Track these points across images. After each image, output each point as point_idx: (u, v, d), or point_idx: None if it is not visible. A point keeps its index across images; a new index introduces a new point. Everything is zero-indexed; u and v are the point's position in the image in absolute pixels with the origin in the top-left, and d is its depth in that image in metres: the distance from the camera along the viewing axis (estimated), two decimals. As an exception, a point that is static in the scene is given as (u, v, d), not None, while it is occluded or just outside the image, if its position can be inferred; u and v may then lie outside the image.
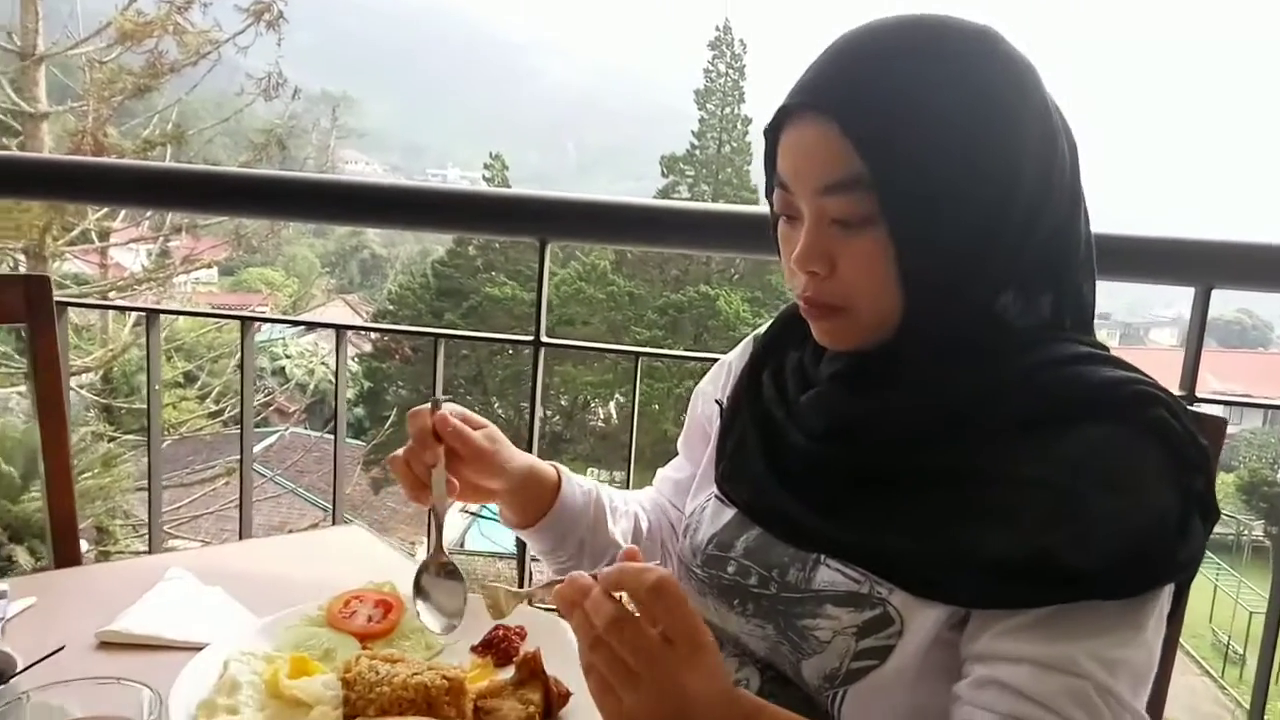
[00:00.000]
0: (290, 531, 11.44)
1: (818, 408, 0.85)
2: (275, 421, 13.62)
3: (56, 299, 1.60)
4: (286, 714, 0.75)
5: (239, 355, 1.95)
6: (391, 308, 15.35)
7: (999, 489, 0.73)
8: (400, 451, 0.89)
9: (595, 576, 0.66)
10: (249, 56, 11.52)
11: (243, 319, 1.89)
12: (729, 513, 0.90)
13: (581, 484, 1.04)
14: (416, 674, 0.76)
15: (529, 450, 1.94)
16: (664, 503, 1.12)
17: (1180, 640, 1.00)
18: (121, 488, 10.46)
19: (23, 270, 10.34)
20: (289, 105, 12.15)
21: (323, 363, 12.96)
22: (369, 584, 0.94)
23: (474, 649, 0.89)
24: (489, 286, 13.86)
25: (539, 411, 2.02)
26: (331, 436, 1.96)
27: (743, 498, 0.90)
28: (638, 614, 0.64)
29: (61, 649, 0.69)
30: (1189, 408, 0.79)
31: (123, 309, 9.17)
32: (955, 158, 0.74)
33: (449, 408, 0.90)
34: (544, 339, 1.81)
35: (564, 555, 1.01)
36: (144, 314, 1.91)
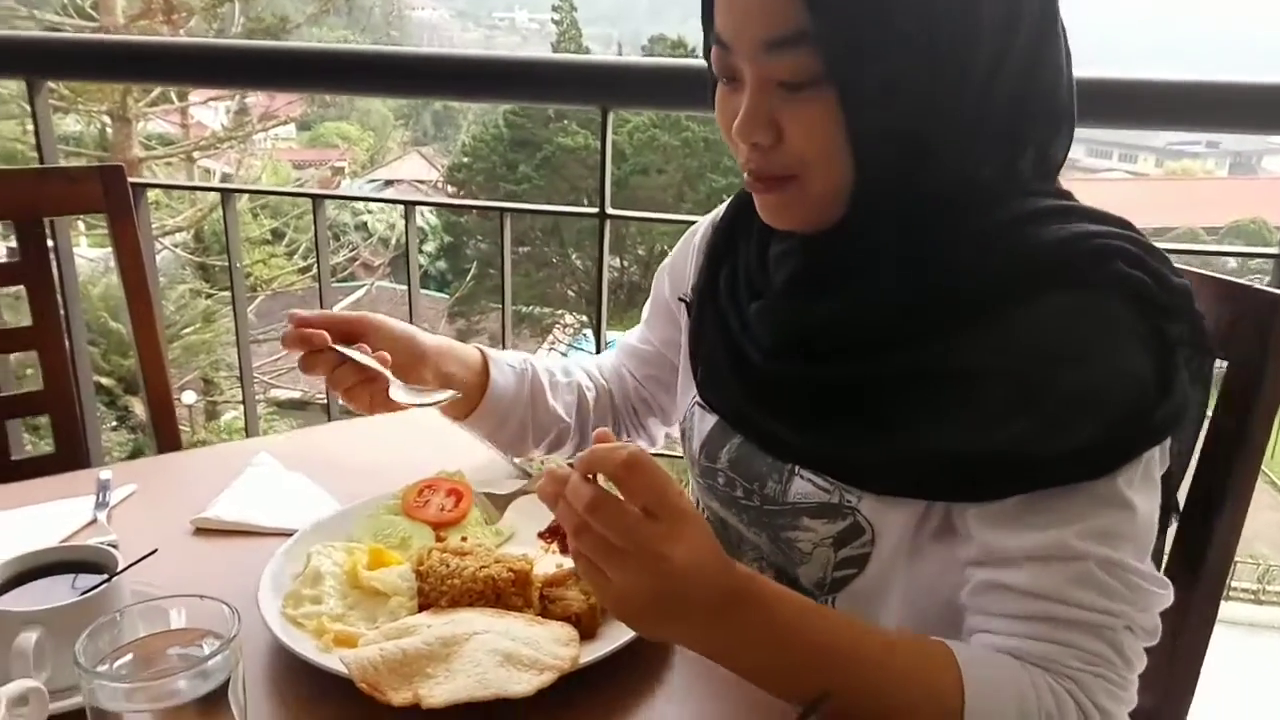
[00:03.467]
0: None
1: (765, 321, 0.82)
2: (361, 275, 13.94)
3: (133, 182, 1.64)
4: (367, 603, 0.80)
5: (314, 226, 1.98)
6: (465, 160, 15.27)
7: (956, 384, 0.71)
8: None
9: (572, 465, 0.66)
10: (315, -98, 11.17)
11: (314, 197, 1.91)
12: (711, 419, 0.89)
13: (511, 362, 1.04)
14: (485, 567, 0.80)
15: (599, 316, 1.96)
16: (623, 370, 1.12)
17: (1263, 470, 0.97)
18: (222, 341, 10.98)
19: (109, 132, 10.58)
20: (354, -49, 11.83)
21: (402, 216, 13.09)
22: (441, 472, 0.98)
23: (540, 535, 0.93)
24: (561, 136, 13.64)
25: (606, 272, 2.00)
26: (418, 289, 2.01)
27: (719, 406, 0.88)
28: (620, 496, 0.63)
29: (155, 552, 0.75)
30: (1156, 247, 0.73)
31: (197, 189, 9.37)
32: (924, 5, 0.68)
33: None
34: (609, 210, 1.79)
35: (505, 437, 1.03)
36: (220, 193, 1.93)
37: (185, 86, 8.30)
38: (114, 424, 10.02)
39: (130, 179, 1.46)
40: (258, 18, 11.07)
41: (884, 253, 0.75)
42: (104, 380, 9.61)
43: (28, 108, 1.90)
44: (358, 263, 13.20)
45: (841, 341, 0.77)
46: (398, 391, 0.90)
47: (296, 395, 11.13)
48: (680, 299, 0.98)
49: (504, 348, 2.04)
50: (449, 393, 0.92)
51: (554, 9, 16.33)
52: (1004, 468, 0.69)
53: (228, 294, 11.17)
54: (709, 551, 0.63)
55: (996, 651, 0.70)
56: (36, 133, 1.88)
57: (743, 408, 0.85)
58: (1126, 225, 0.74)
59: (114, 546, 0.90)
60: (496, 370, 1.01)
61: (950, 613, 0.76)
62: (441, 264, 15.49)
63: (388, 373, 0.90)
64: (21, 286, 1.36)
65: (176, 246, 10.92)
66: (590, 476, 0.63)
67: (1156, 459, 0.71)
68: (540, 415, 1.04)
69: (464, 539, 0.90)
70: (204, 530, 0.97)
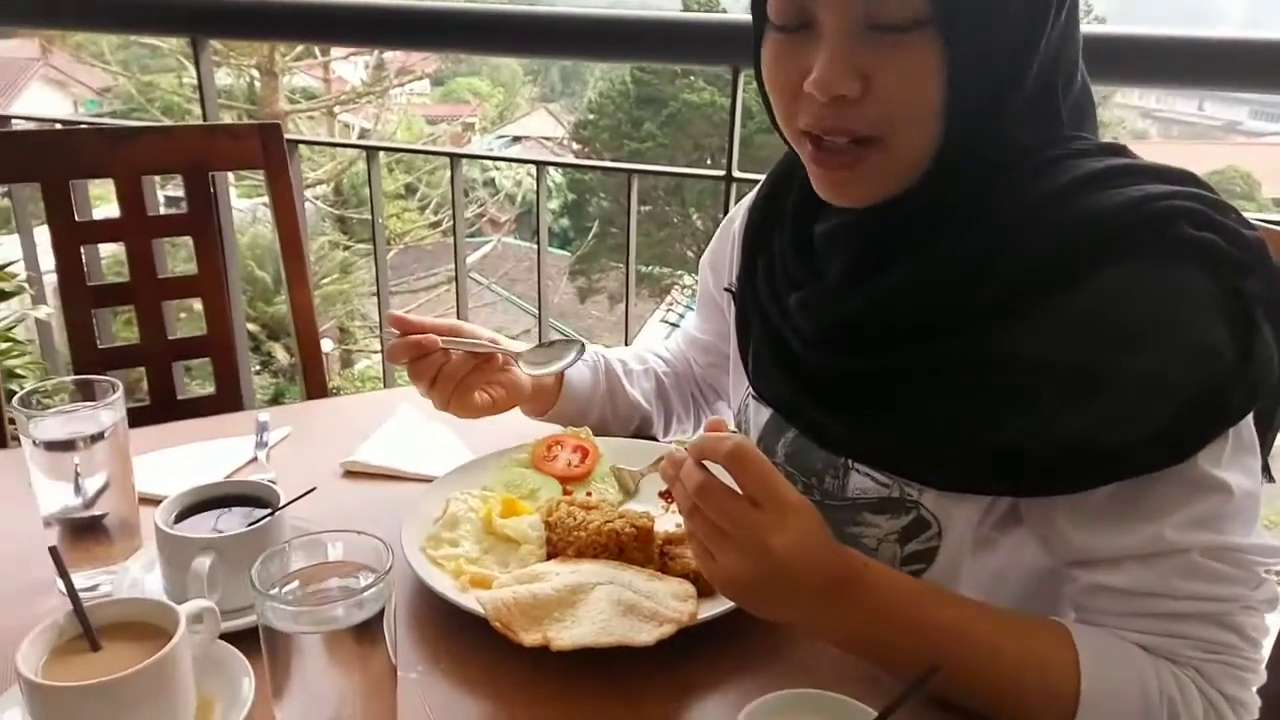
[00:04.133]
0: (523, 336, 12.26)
1: (809, 311, 0.78)
2: (488, 231, 14.28)
3: (287, 139, 1.73)
4: (499, 549, 0.85)
5: (450, 185, 2.05)
6: (591, 117, 15.35)
7: (1016, 371, 0.67)
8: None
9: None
10: None
11: (451, 156, 1.98)
12: (766, 412, 0.88)
13: (585, 359, 1.03)
14: (609, 521, 0.83)
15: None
16: (688, 356, 1.11)
17: None
18: (358, 292, 11.48)
19: (257, 85, 11.11)
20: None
21: (529, 174, 13.35)
22: (568, 430, 1.02)
23: (662, 494, 0.96)
24: (688, 93, 13.53)
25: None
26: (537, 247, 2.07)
27: (772, 399, 0.86)
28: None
29: (313, 490, 0.81)
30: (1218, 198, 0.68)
31: (344, 145, 9.79)
32: None
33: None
34: (735, 174, 1.78)
35: (589, 426, 1.02)
36: (364, 150, 2.02)
37: (337, 45, 8.62)
38: (257, 368, 10.65)
39: (285, 136, 1.55)
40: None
41: (947, 228, 0.70)
42: (250, 326, 10.22)
43: (187, 64, 2.03)
44: (485, 219, 13.52)
45: (896, 326, 0.73)
46: (525, 364, 0.95)
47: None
48: (726, 289, 0.95)
49: (626, 307, 2.10)
50: (572, 354, 0.96)
51: (683, -37, 16.08)
52: (1076, 460, 0.66)
53: (365, 246, 11.67)
54: (813, 540, 0.65)
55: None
56: (200, 89, 2.01)
57: (793, 400, 0.82)
58: (1191, 179, 0.69)
59: (273, 483, 0.98)
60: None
61: (1020, 604, 0.75)
62: (565, 221, 15.69)
63: (507, 346, 0.94)
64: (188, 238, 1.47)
65: (318, 199, 11.43)
66: (703, 462, 0.65)
67: (1248, 427, 0.67)
68: (620, 405, 1.06)
69: (589, 494, 0.94)
70: (352, 472, 1.04)
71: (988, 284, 0.68)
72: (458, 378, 0.91)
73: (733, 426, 1.06)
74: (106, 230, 1.47)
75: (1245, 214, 0.71)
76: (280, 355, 10.54)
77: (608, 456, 0.99)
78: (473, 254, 13.62)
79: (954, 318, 0.70)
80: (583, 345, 0.98)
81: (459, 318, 2.19)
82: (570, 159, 15.55)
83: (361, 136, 12.42)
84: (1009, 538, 0.74)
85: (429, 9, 1.81)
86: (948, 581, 0.76)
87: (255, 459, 1.06)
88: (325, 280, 11.51)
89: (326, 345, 11.75)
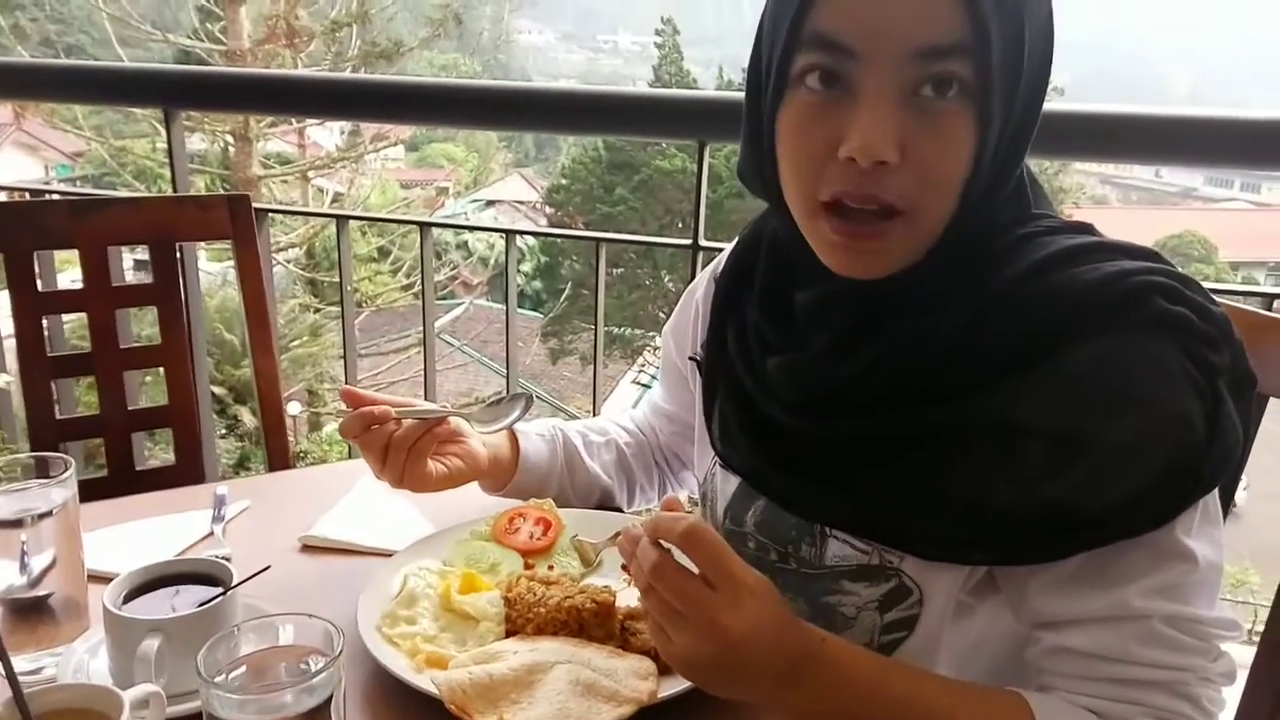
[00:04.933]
0: (476, 400, 12.24)
1: (791, 377, 0.77)
2: (460, 294, 14.33)
3: (257, 208, 1.74)
4: (457, 626, 0.84)
5: (420, 251, 2.06)
6: (564, 181, 15.56)
7: (996, 438, 0.68)
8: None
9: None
10: (426, -71, 11.63)
11: (421, 225, 2.00)
12: (734, 481, 0.87)
13: (542, 432, 1.04)
14: (569, 597, 0.83)
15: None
16: (653, 425, 1.11)
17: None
18: (328, 355, 11.42)
19: (232, 150, 11.16)
20: (464, -24, 12.26)
21: (502, 237, 13.43)
22: (531, 502, 1.02)
23: (624, 567, 0.95)
24: (659, 159, 13.77)
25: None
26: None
27: (739, 467, 0.85)
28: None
29: (267, 568, 0.80)
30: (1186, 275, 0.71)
31: (315, 215, 9.84)
32: (1042, 19, 0.67)
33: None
34: (702, 242, 1.81)
35: (550, 496, 1.02)
36: (335, 219, 2.03)
37: (306, 117, 8.74)
38: (223, 432, 10.51)
39: (255, 205, 1.56)
40: (373, 41, 11.53)
41: (934, 300, 0.71)
42: (216, 390, 10.11)
43: (161, 129, 2.05)
44: (458, 281, 13.57)
45: (881, 394, 0.73)
46: (476, 423, 0.96)
47: (395, 408, 11.49)
48: (691, 358, 0.95)
49: (595, 371, 2.11)
50: (519, 409, 0.96)
51: (657, 32, 16.53)
52: (1053, 527, 0.67)
53: (336, 309, 11.62)
54: (770, 620, 0.64)
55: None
56: (171, 158, 2.02)
57: (762, 468, 0.81)
58: (1155, 255, 0.72)
59: (228, 560, 0.97)
60: (525, 441, 1.03)
61: (997, 672, 0.75)
62: (537, 284, 15.78)
63: (455, 413, 0.94)
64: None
65: (289, 262, 11.42)
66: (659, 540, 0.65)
67: (1214, 500, 0.69)
68: (579, 478, 1.06)
69: (551, 567, 0.94)
70: (310, 547, 1.03)
71: (971, 355, 0.69)
72: (409, 444, 0.91)
73: (696, 497, 1.07)
74: (69, 301, 1.46)
75: (1205, 283, 0.74)
76: (247, 419, 10.41)
77: (571, 528, 0.99)
78: (444, 316, 13.64)
79: (939, 387, 0.71)
80: (529, 398, 0.99)
81: (426, 382, 2.20)
82: (544, 223, 15.72)
83: (335, 200, 12.51)
84: (986, 605, 0.75)
85: (395, 84, 1.85)
86: (928, 650, 0.76)
87: (211, 534, 1.04)
88: (294, 343, 11.45)
89: (294, 408, 11.63)
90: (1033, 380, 0.68)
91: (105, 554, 0.96)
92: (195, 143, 11.85)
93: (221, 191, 11.51)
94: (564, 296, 13.51)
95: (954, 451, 0.70)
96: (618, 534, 0.74)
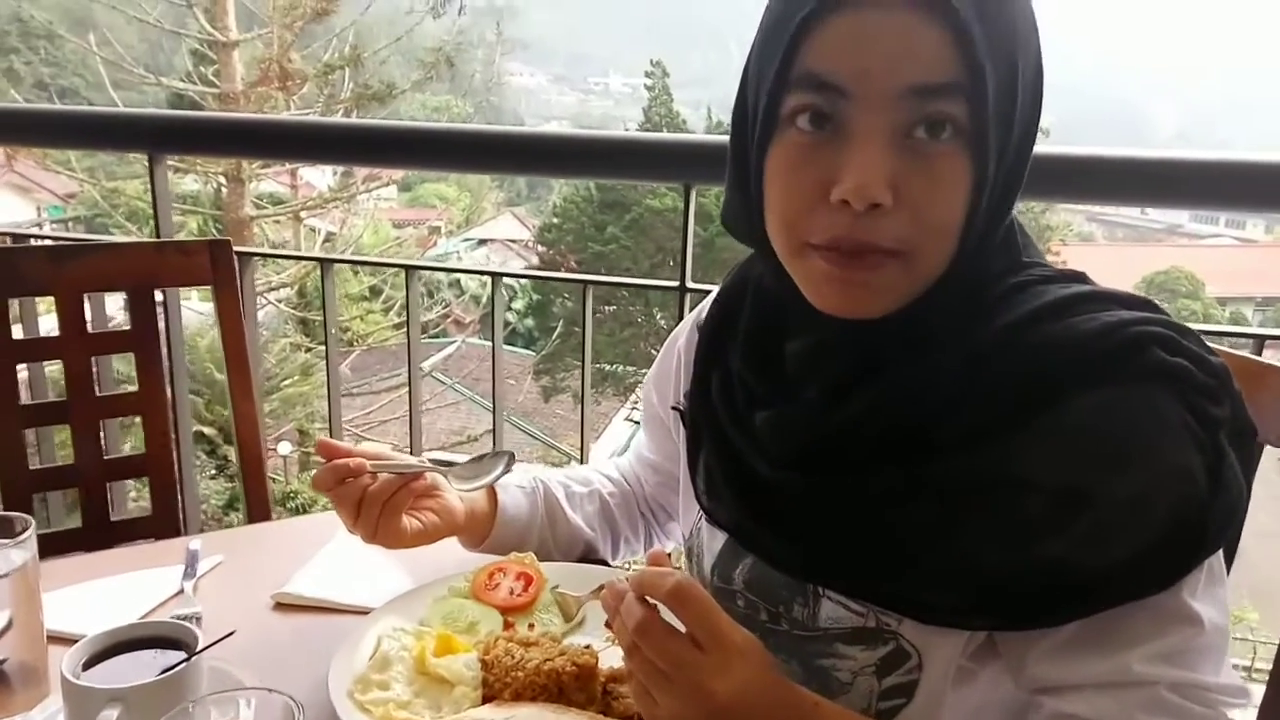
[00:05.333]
0: (468, 439, 12.18)
1: (778, 431, 0.74)
2: (452, 332, 14.32)
3: (240, 251, 1.73)
4: (432, 690, 0.81)
5: (406, 294, 2.05)
6: (556, 220, 15.64)
7: (994, 493, 0.66)
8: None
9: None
10: (417, -27, 11.80)
11: (407, 268, 1.98)
12: (721, 537, 0.84)
13: (521, 484, 1.01)
14: (549, 660, 0.80)
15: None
16: (639, 474, 1.09)
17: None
18: (318, 394, 11.35)
19: (224, 191, 11.20)
20: (456, 21, 12.42)
21: (491, 283, 13.47)
22: (512, 556, 0.99)
23: (607, 624, 0.92)
24: (650, 198, 13.85)
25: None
26: (504, 347, 2.05)
27: (725, 523, 0.82)
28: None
29: (232, 633, 0.77)
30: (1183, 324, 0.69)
31: (299, 258, 9.88)
32: (1032, 60, 0.66)
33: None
34: (689, 285, 1.80)
35: (531, 550, 0.99)
36: (319, 262, 2.02)
37: (289, 161, 8.77)
38: (213, 473, 10.41)
39: (238, 248, 1.55)
40: (365, 84, 11.62)
41: (927, 349, 0.69)
42: (206, 430, 10.02)
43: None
44: (450, 319, 13.56)
45: (860, 452, 0.70)
46: (455, 479, 0.93)
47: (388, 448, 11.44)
48: (674, 408, 0.92)
49: (582, 412, 2.08)
50: (500, 467, 0.94)
51: (646, 74, 16.72)
52: (1054, 588, 0.64)
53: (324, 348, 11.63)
54: (759, 684, 0.62)
55: None
56: (154, 203, 2.01)
57: (751, 524, 0.78)
58: (1152, 305, 0.70)
59: (197, 620, 0.94)
60: (504, 494, 1.00)
61: None
62: (529, 321, 15.79)
63: (433, 469, 0.92)
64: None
65: (280, 302, 11.41)
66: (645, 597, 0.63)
67: (1219, 559, 0.67)
68: (560, 531, 1.03)
69: (531, 625, 0.91)
70: (284, 605, 0.99)
71: (968, 405, 0.67)
72: (383, 498, 0.88)
73: (683, 550, 1.04)
74: (44, 349, 1.44)
75: (1193, 320, 0.72)
76: (234, 457, 10.29)
77: (553, 583, 0.96)
78: (437, 354, 13.62)
79: (933, 439, 0.68)
80: (511, 456, 0.96)
81: (411, 423, 2.17)
82: (535, 261, 15.76)
83: (327, 240, 12.53)
84: (988, 670, 0.72)
85: (376, 128, 1.85)
86: (926, 717, 0.72)
87: (182, 591, 1.01)
88: (286, 383, 11.40)
89: (285, 448, 11.55)
90: (1031, 432, 0.65)
91: (70, 614, 0.92)
92: (189, 183, 11.90)
93: (214, 232, 11.58)
94: (556, 334, 13.51)
95: (951, 508, 0.67)
96: (601, 587, 0.72)
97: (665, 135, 1.91)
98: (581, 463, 2.08)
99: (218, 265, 1.48)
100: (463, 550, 1.02)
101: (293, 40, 11.26)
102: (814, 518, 0.74)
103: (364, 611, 0.95)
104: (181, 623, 0.79)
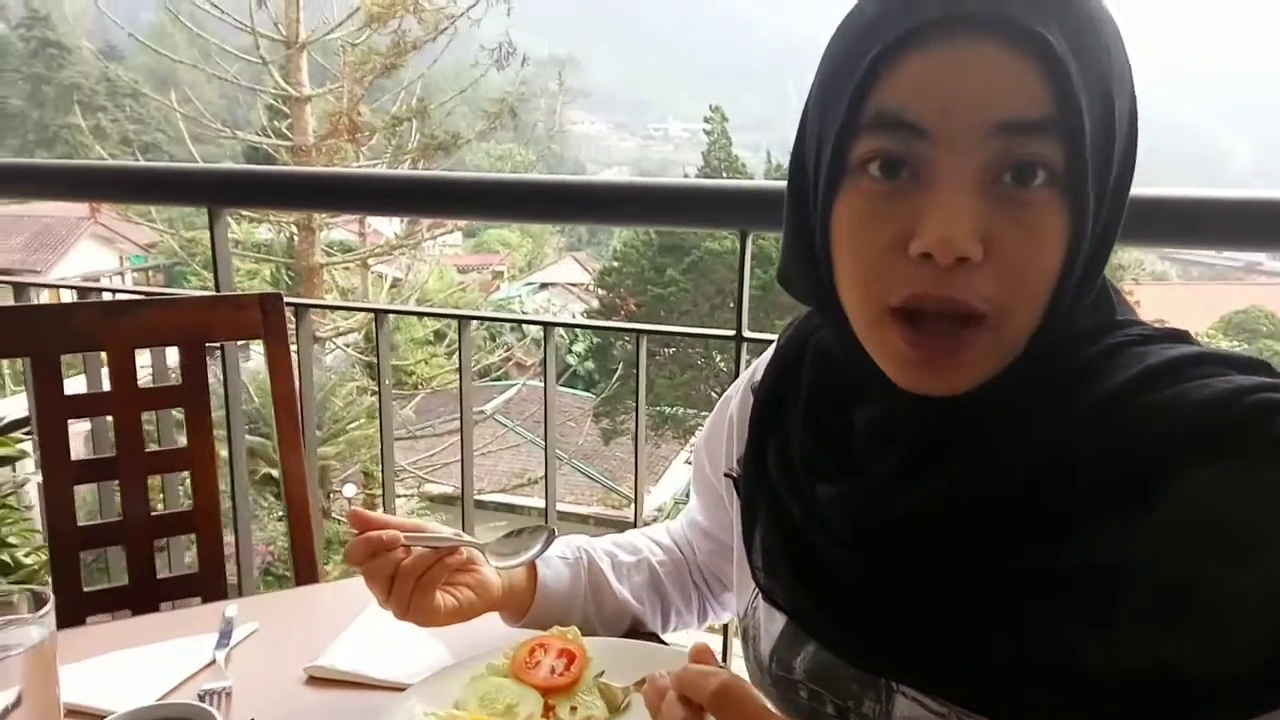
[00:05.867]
0: (529, 481, 12.19)
1: (847, 509, 0.67)
2: (514, 374, 14.44)
3: (296, 303, 1.72)
4: (465, 781, 0.75)
5: (459, 345, 2.03)
6: (616, 264, 15.74)
7: (1090, 585, 0.57)
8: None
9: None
10: (482, 28, 12.14)
11: (459, 318, 1.97)
12: (780, 620, 0.76)
13: (564, 554, 0.94)
14: (589, 751, 0.73)
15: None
16: (691, 540, 1.02)
17: None
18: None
19: (295, 240, 11.51)
20: (519, 72, 12.72)
21: (554, 315, 13.61)
22: (554, 631, 0.93)
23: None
24: (709, 241, 13.87)
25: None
26: (564, 390, 2.02)
27: (785, 604, 0.74)
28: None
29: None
30: None
31: (350, 309, 10.09)
32: (1127, 97, 0.58)
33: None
34: (745, 334, 1.74)
35: (575, 626, 0.92)
36: (374, 313, 2.01)
37: (344, 214, 9.00)
38: (281, 514, 10.57)
39: (293, 299, 1.53)
40: (431, 135, 11.91)
41: (1013, 422, 0.61)
42: (274, 471, 10.19)
43: (230, 221, 2.07)
44: (511, 362, 13.68)
45: (955, 531, 0.62)
46: (492, 555, 0.88)
47: (449, 490, 11.51)
48: (726, 474, 0.85)
49: (636, 459, 2.02)
50: (540, 543, 0.89)
51: (705, 119, 16.84)
52: (1160, 695, 0.56)
53: (395, 391, 11.81)
54: None
55: None
56: (214, 256, 2.03)
57: (815, 608, 0.71)
58: (1264, 366, 0.61)
59: (227, 694, 0.90)
60: (545, 567, 0.94)
61: None
62: (589, 364, 15.85)
63: (469, 543, 0.87)
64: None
65: (348, 346, 11.63)
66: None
67: None
68: (606, 605, 0.96)
69: (574, 709, 0.84)
70: (317, 678, 0.95)
71: (1059, 484, 0.59)
72: (417, 574, 0.83)
73: (738, 628, 0.96)
74: (94, 405, 1.44)
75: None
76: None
77: (597, 659, 0.90)
78: (498, 397, 13.73)
79: (1021, 522, 0.60)
80: (552, 532, 0.90)
81: (463, 469, 2.13)
82: (595, 304, 15.86)
83: (393, 285, 12.79)
84: None
85: (432, 179, 1.84)
86: None
87: (214, 662, 0.97)
88: (352, 425, 11.58)
89: (350, 490, 11.70)
90: (1134, 516, 0.57)
91: (96, 687, 0.89)
92: (263, 233, 12.29)
93: (286, 280, 11.89)
94: (615, 377, 13.52)
95: (1040, 599, 0.59)
96: (643, 680, 0.66)
97: (719, 182, 1.87)
98: (637, 507, 2.02)
99: (268, 318, 1.47)
100: (503, 623, 0.96)
101: (363, 94, 11.63)
102: (884, 604, 0.66)
103: (399, 688, 0.89)
104: (201, 705, 0.75)
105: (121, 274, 18.69)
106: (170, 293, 2.35)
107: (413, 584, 0.83)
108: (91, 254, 18.30)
